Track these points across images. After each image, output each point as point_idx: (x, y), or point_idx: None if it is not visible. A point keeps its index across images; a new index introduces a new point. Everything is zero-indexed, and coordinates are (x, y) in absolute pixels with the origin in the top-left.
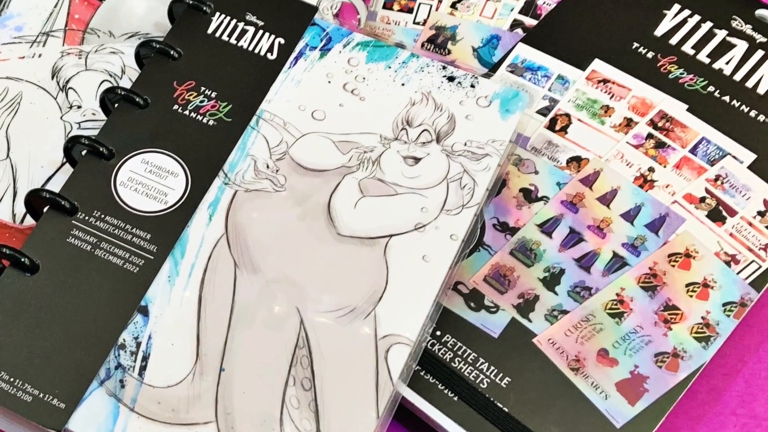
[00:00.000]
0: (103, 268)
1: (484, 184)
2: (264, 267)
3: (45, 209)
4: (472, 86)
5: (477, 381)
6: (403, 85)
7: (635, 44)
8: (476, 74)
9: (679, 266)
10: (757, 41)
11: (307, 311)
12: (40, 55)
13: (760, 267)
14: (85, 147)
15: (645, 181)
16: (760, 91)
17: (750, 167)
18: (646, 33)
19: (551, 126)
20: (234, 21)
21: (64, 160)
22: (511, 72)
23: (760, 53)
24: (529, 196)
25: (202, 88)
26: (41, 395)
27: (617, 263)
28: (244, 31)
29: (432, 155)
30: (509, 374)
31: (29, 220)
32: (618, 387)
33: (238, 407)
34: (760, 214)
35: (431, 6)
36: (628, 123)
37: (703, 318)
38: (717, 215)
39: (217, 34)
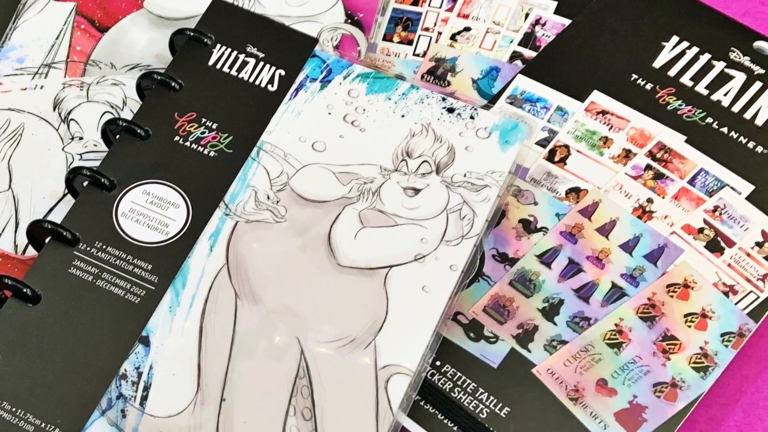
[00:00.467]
0: (105, 299)
1: (484, 215)
2: (265, 297)
3: (47, 240)
4: (472, 118)
5: (476, 411)
6: (403, 116)
7: (634, 76)
8: (476, 106)
9: (678, 297)
10: (756, 73)
11: (308, 341)
12: (42, 87)
13: (758, 297)
14: (87, 178)
15: (644, 212)
16: (759, 122)
17: (748, 198)
18: (644, 65)
19: (550, 157)
20: (235, 53)
21: (66, 191)
22: (511, 103)
23: (758, 85)
24: (529, 226)
25: (203, 120)
26: (43, 425)
27: (616, 294)
28: (245, 63)
29: (432, 186)
30: (509, 404)
31: (31, 251)
32: (617, 417)
33: None
34: (758, 244)
35: (431, 38)
36: (627, 154)
37: (701, 348)
38: (715, 246)
39: (218, 66)
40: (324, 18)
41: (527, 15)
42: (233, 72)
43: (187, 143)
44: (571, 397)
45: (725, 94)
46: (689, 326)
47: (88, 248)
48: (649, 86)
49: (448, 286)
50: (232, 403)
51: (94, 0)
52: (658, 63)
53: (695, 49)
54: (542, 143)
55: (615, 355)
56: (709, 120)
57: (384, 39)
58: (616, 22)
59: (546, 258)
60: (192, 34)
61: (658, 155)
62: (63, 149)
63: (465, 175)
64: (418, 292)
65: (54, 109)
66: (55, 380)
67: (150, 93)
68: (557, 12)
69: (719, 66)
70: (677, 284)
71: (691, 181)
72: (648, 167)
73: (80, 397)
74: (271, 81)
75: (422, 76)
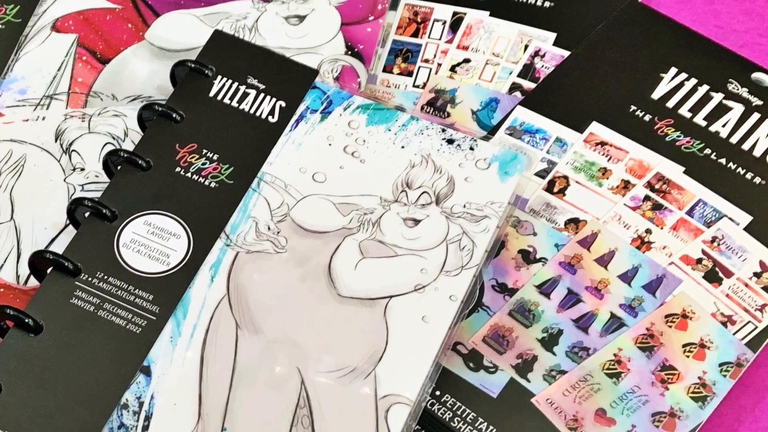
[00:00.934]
0: (106, 329)
1: (483, 245)
2: (265, 327)
3: (48, 270)
4: (471, 149)
5: None
6: (402, 147)
7: (632, 107)
8: (475, 137)
9: (676, 327)
10: (754, 104)
11: (308, 371)
12: (43, 118)
13: (756, 328)
14: (89, 209)
15: (642, 243)
16: (756, 153)
17: (746, 229)
18: (643, 96)
19: (549, 188)
20: (235, 84)
21: (68, 221)
22: (510, 135)
23: (756, 116)
24: (528, 257)
25: (204, 151)
26: None
27: (615, 324)
28: (245, 94)
29: (431, 217)
30: None
31: (33, 281)
32: None
33: None
34: (756, 275)
35: (431, 69)
36: (626, 185)
37: (699, 378)
38: (713, 276)
39: (219, 97)
40: (324, 50)
41: (526, 47)
42: (234, 103)
43: (188, 174)
44: (570, 426)
45: (723, 126)
46: (687, 356)
47: (90, 279)
48: (647, 117)
49: (448, 317)
50: None
51: (96, 32)
52: (656, 94)
53: (693, 81)
54: (541, 174)
55: (614, 385)
56: (708, 151)
57: (384, 70)
58: (614, 53)
59: (545, 288)
60: (193, 65)
61: (657, 186)
62: (65, 180)
63: (464, 206)
64: (418, 322)
65: (56, 140)
66: (57, 410)
67: (151, 124)
68: (556, 44)
69: (717, 97)
70: (676, 314)
71: (690, 212)
72: (647, 198)
73: (82, 427)
74: (271, 112)
75: (422, 108)
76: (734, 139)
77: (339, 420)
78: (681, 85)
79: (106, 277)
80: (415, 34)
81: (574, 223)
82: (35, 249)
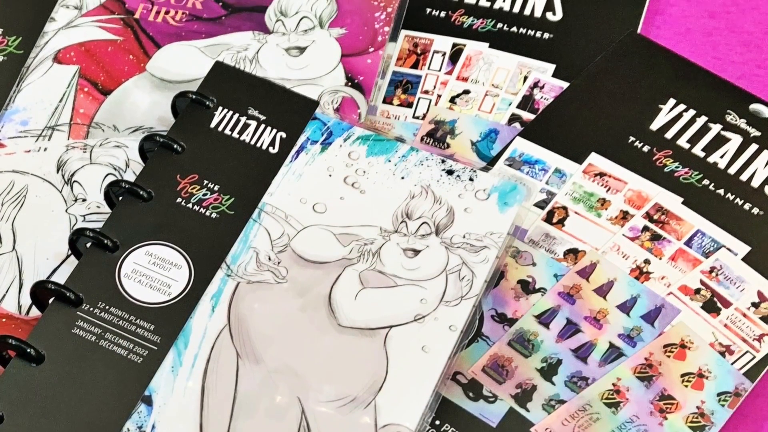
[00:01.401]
0: (108, 359)
1: (483, 275)
2: (266, 357)
3: (50, 300)
4: (471, 179)
5: None
6: (402, 178)
7: (631, 138)
8: (475, 168)
9: (675, 357)
10: (751, 135)
11: (309, 401)
12: (45, 149)
13: (754, 357)
14: (90, 239)
15: (641, 273)
16: (754, 184)
17: (744, 259)
18: (642, 127)
19: (549, 219)
20: (236, 115)
21: (69, 252)
22: (509, 165)
23: (754, 147)
24: (527, 287)
25: (205, 182)
26: None
27: (613, 354)
28: (246, 126)
29: (431, 247)
30: None
31: (35, 312)
32: None
33: None
34: (754, 305)
35: (430, 101)
36: (625, 216)
37: (698, 408)
38: (712, 306)
39: (220, 128)
40: (325, 81)
41: (526, 78)
42: (235, 134)
43: (189, 205)
44: None
45: (722, 157)
46: (686, 386)
47: (92, 309)
48: (646, 148)
49: (448, 346)
50: None
51: (97, 63)
52: (655, 125)
53: (692, 112)
54: (540, 205)
55: (612, 415)
56: (706, 182)
57: (384, 102)
58: (613, 85)
59: (544, 318)
60: (194, 96)
61: (656, 217)
62: (66, 211)
63: (464, 237)
64: (417, 352)
65: (57, 171)
66: None
67: (152, 155)
68: (555, 75)
69: (716, 128)
70: (674, 344)
71: (688, 243)
72: (645, 228)
73: None
74: (272, 143)
75: (422, 139)
76: (732, 170)
77: None
78: (679, 116)
79: (107, 307)
80: (414, 66)
81: (573, 253)
82: (37, 279)
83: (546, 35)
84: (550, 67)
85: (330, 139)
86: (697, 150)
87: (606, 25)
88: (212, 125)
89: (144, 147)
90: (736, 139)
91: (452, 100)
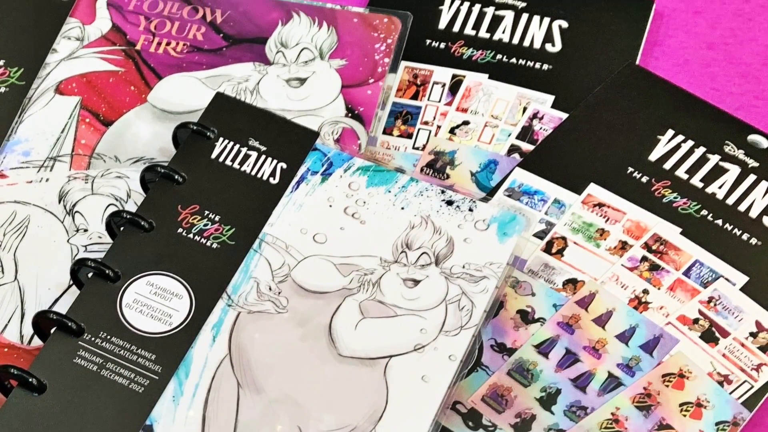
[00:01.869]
0: (109, 388)
1: (482, 305)
2: (267, 387)
3: (52, 330)
4: (471, 210)
5: None
6: (402, 208)
7: (630, 169)
8: (474, 198)
9: (673, 386)
10: (750, 166)
11: (309, 430)
12: (47, 180)
13: (752, 387)
14: (92, 269)
15: (639, 303)
16: (752, 214)
17: (742, 289)
18: (640, 158)
19: (548, 249)
20: (237, 146)
21: (71, 282)
22: (509, 196)
23: (752, 177)
24: (526, 317)
25: (206, 212)
26: None
27: (612, 383)
28: (247, 156)
29: (431, 278)
30: None
31: (37, 341)
32: None
33: None
34: (752, 335)
35: (430, 131)
36: (623, 246)
37: None
38: (710, 336)
39: (221, 159)
40: (325, 112)
41: (525, 109)
42: (235, 165)
43: (190, 235)
44: None
45: (720, 187)
46: (684, 415)
47: (93, 338)
48: (645, 179)
49: (447, 376)
50: None
51: (99, 94)
52: (653, 156)
53: (690, 143)
54: (540, 235)
55: None
56: (704, 212)
57: (384, 132)
58: (612, 116)
59: (543, 348)
60: (195, 127)
61: (654, 247)
62: (68, 241)
63: (464, 267)
64: (417, 382)
65: (59, 202)
66: None
67: (154, 186)
68: (554, 106)
69: (714, 159)
70: (673, 374)
71: (687, 273)
72: (644, 259)
73: None
74: (273, 174)
75: (422, 169)
76: (730, 201)
77: None
78: (678, 147)
79: (109, 336)
80: (414, 97)
81: (572, 283)
82: (39, 309)
83: (545, 66)
84: (550, 98)
85: (330, 169)
86: (696, 180)
87: (605, 56)
88: (213, 156)
89: (145, 178)
90: (734, 170)
91: (452, 131)
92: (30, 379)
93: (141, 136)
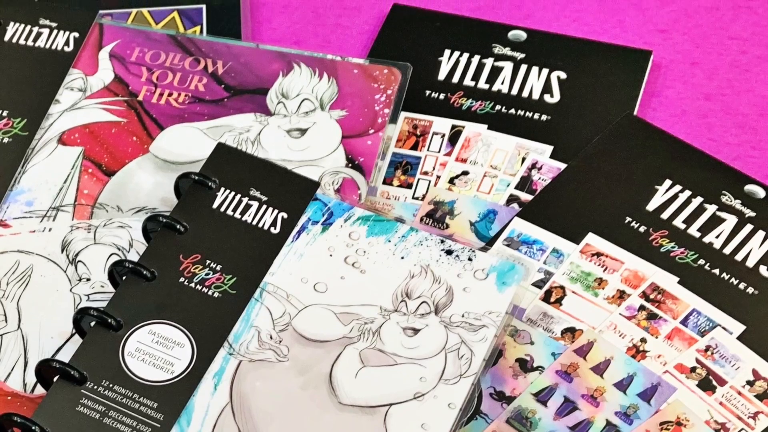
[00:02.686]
0: None
1: (482, 354)
2: None
3: (55, 379)
4: (470, 259)
5: None
6: (402, 258)
7: (628, 218)
8: (473, 248)
9: None
10: (746, 215)
11: None
12: (50, 229)
13: None
14: (94, 318)
15: (637, 352)
16: (749, 264)
17: (739, 338)
18: (638, 208)
19: (546, 298)
20: (238, 196)
21: (74, 331)
22: (508, 245)
23: (749, 227)
24: (525, 366)
25: (208, 261)
26: None
27: (611, 431)
28: (248, 206)
29: (431, 326)
30: None
31: (40, 390)
32: None
33: None
34: (749, 383)
35: (430, 181)
36: (621, 295)
37: None
38: (707, 385)
39: (222, 209)
40: (325, 162)
41: (524, 159)
42: (237, 215)
43: (192, 284)
44: None
45: (717, 237)
46: None
47: (96, 387)
48: (642, 229)
49: (447, 424)
50: None
51: (101, 144)
52: (651, 206)
53: (688, 193)
54: (538, 284)
55: None
56: (702, 262)
57: (384, 182)
58: (610, 166)
59: (542, 396)
60: (196, 177)
61: (652, 296)
62: (71, 290)
63: (463, 316)
64: (417, 430)
65: (62, 251)
66: None
67: (156, 235)
68: (553, 156)
69: (711, 209)
70: (670, 422)
71: (684, 321)
72: (642, 308)
73: None
74: (273, 224)
75: (421, 219)
76: (727, 250)
77: None
78: (675, 197)
79: (111, 385)
80: (414, 147)
81: (570, 332)
82: (42, 358)
83: (544, 117)
84: (548, 149)
85: (331, 219)
86: (693, 230)
87: (603, 107)
88: (215, 206)
89: (147, 227)
90: (731, 220)
91: (451, 181)
92: (33, 428)
93: (143, 186)
